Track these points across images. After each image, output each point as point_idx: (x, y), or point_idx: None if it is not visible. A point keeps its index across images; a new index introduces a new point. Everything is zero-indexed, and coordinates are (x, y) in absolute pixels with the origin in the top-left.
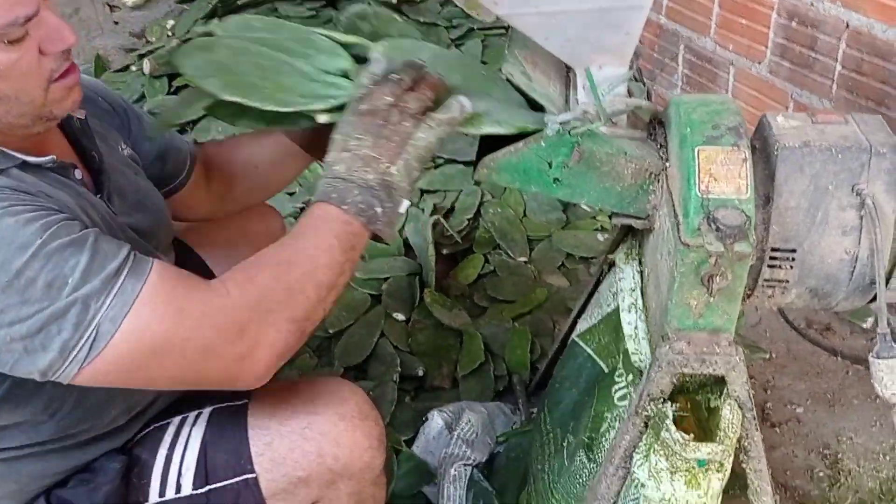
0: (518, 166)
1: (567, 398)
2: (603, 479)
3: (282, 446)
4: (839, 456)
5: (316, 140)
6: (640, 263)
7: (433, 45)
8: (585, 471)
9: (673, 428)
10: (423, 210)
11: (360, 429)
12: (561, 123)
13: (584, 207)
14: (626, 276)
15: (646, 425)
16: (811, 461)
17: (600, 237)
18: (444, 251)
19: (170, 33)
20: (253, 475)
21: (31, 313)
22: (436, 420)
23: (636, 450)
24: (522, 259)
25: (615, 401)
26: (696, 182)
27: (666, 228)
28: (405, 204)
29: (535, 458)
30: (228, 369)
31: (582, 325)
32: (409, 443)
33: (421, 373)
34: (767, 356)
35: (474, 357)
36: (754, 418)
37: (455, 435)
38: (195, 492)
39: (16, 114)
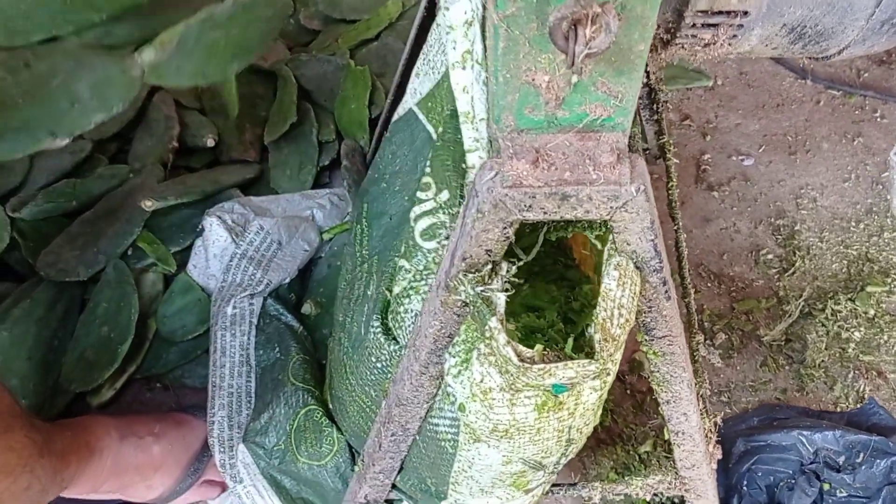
0: None
1: (394, 207)
2: (406, 377)
3: None
4: (796, 227)
5: None
6: None
7: None
8: (384, 353)
9: (502, 338)
10: None
11: None
12: None
13: None
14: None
15: (465, 305)
16: (758, 237)
17: None
18: None
19: None
20: None
21: None
22: (215, 230)
23: (450, 349)
24: None
25: (416, 237)
26: None
27: None
28: None
29: (342, 298)
30: None
31: (421, 84)
32: (184, 256)
33: (210, 142)
34: (710, 84)
35: (286, 114)
36: (664, 282)
37: (239, 253)
38: None
39: None
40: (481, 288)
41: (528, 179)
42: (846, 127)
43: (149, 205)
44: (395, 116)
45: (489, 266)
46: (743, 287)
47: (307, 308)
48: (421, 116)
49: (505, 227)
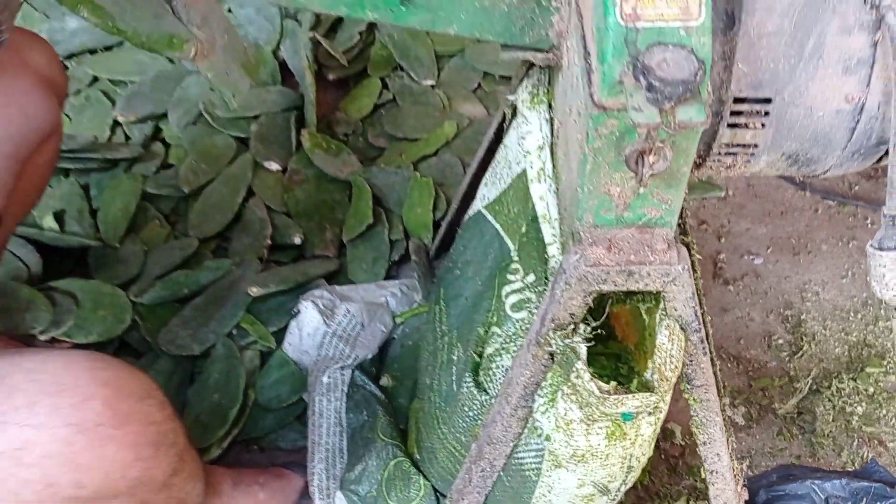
0: None
1: (468, 290)
2: (498, 419)
3: None
4: (802, 317)
5: None
6: (551, 108)
7: None
8: (476, 403)
9: (586, 376)
10: (300, 23)
11: (116, 441)
12: None
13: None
14: (531, 130)
15: (551, 357)
16: (769, 325)
17: None
18: (331, 76)
19: None
20: None
21: None
22: (310, 313)
23: (539, 391)
24: (429, 82)
25: (507, 309)
26: (616, 2)
27: (575, 72)
28: None
29: (426, 366)
30: None
31: (489, 192)
32: (280, 334)
33: (298, 240)
34: (723, 194)
35: (362, 217)
36: (702, 340)
37: (330, 332)
38: None
39: None
40: (568, 340)
41: (603, 260)
42: (842, 232)
43: (255, 291)
44: (465, 217)
45: (572, 326)
46: (758, 368)
47: (385, 381)
48: (489, 217)
49: (586, 296)
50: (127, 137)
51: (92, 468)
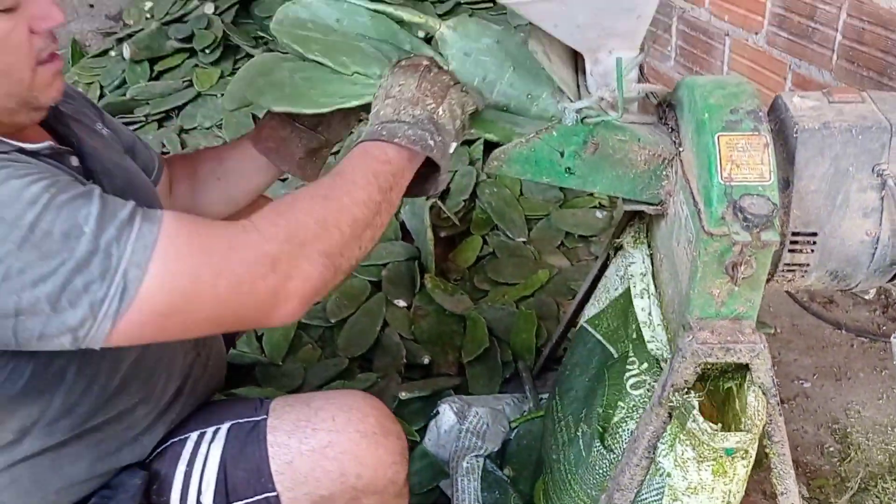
0: (530, 157)
1: (578, 385)
2: (626, 469)
3: (303, 465)
4: (848, 430)
5: (284, 151)
6: (650, 247)
7: (496, 27)
8: (605, 461)
9: (700, 419)
10: None
11: (383, 446)
12: (577, 112)
13: None
14: (636, 261)
15: (669, 415)
16: (820, 436)
17: (599, 214)
18: (442, 234)
19: (148, 15)
20: (274, 493)
21: (53, 268)
22: (447, 414)
23: (661, 440)
24: (521, 239)
25: (628, 388)
26: (718, 169)
27: (683, 216)
28: (453, 146)
29: (550, 448)
30: (262, 305)
31: (590, 311)
32: (420, 432)
33: (427, 361)
34: (772, 331)
35: (479, 342)
36: (778, 404)
37: (465, 428)
38: None
39: (3, 93)
40: (685, 397)
41: (709, 340)
42: (874, 363)
43: (404, 395)
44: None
45: (686, 389)
46: (814, 470)
47: (507, 471)
48: (590, 329)
49: (696, 367)
50: None
51: (368, 465)
